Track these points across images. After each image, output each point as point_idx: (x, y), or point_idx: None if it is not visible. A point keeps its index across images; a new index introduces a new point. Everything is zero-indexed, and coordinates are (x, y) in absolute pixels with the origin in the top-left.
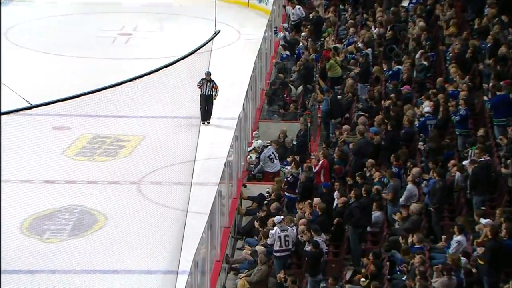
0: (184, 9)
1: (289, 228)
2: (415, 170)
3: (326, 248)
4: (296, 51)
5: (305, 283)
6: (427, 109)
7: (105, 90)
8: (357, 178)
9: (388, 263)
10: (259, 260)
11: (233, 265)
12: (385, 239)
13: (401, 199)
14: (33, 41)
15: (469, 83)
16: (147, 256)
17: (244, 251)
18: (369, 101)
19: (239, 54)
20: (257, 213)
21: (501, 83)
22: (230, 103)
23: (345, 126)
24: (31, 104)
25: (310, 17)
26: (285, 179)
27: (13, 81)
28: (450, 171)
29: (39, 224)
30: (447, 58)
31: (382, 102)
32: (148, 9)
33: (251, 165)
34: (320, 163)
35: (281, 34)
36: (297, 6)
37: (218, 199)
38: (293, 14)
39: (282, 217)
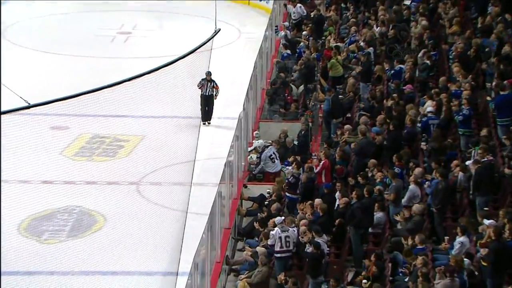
0: (184, 8)
1: (290, 229)
2: (418, 170)
3: (328, 249)
4: (297, 50)
5: (306, 284)
6: (429, 108)
7: (104, 90)
8: (359, 178)
9: (390, 265)
10: (260, 262)
11: (233, 267)
12: (387, 240)
13: (403, 200)
14: (31, 39)
15: (472, 83)
16: (147, 257)
17: (245, 252)
18: (371, 100)
19: (239, 53)
20: (258, 214)
21: (505, 82)
22: (231, 102)
23: (346, 126)
24: (29, 103)
25: (312, 16)
26: (287, 180)
27: (11, 80)
28: (453, 172)
29: (37, 225)
30: (450, 57)
31: (384, 101)
32: (147, 8)
33: (251, 165)
34: (321, 163)
35: (282, 33)
36: (298, 5)
37: (218, 200)
38: (294, 12)
39: (283, 218)
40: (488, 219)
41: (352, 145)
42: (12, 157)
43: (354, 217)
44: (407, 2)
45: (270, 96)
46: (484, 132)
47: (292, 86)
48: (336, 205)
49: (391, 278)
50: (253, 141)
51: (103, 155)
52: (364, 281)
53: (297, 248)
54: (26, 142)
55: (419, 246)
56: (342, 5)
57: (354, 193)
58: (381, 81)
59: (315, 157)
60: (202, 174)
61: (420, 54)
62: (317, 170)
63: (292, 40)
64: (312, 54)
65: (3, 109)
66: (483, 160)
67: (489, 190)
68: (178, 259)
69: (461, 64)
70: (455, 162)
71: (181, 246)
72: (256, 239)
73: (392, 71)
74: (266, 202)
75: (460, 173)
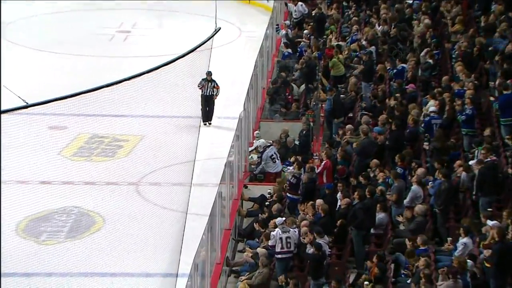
0: (183, 6)
1: (291, 229)
2: (420, 170)
3: (329, 250)
4: (298, 49)
5: (307, 286)
6: (432, 108)
7: (103, 89)
8: (361, 179)
9: (392, 266)
10: (260, 263)
11: (233, 268)
12: (389, 241)
13: (405, 200)
14: (29, 38)
15: (475, 82)
16: (146, 258)
17: (245, 253)
18: (372, 100)
19: (240, 52)
20: (259, 215)
21: (508, 81)
22: (231, 102)
23: (348, 126)
24: (27, 103)
25: (313, 14)
26: (288, 181)
27: (9, 79)
28: (455, 172)
29: (36, 226)
30: (453, 56)
31: (386, 101)
32: (147, 6)
33: (252, 166)
34: (323, 163)
35: (283, 32)
36: (299, 3)
37: (219, 200)
38: (295, 11)
39: (284, 218)
40: (492, 220)
41: (354, 145)
42: (9, 157)
43: (356, 218)
44: (410, 1)
45: (271, 95)
46: (487, 132)
47: (293, 85)
48: (338, 206)
49: (393, 279)
50: (254, 141)
51: (102, 155)
52: (366, 282)
53: (298, 249)
54: (24, 142)
55: (421, 247)
56: (344, 3)
57: (356, 193)
58: (383, 81)
59: (317, 157)
60: (202, 174)
61: (422, 53)
62: (318, 171)
63: (293, 39)
64: (314, 53)
65: (1, 109)
66: (487, 160)
67: (493, 190)
68: (178, 260)
69: (464, 63)
70: (458, 162)
71: (181, 247)
72: (257, 240)
73: (394, 70)
74: (267, 203)
75: (463, 173)
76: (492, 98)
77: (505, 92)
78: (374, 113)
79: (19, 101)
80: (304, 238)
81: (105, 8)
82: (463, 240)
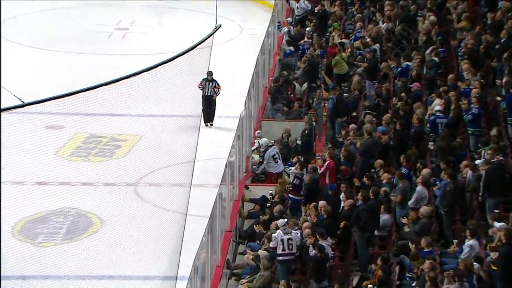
0: (183, 3)
1: (293, 231)
2: (425, 171)
3: (332, 252)
4: (301, 46)
5: None
6: (437, 107)
7: (100, 88)
8: (365, 179)
9: (396, 269)
10: (262, 265)
11: (234, 271)
12: (394, 243)
13: (410, 202)
14: (26, 36)
15: (482, 80)
16: (145, 261)
17: (246, 255)
18: (376, 99)
19: (240, 50)
20: (260, 216)
21: None
22: (232, 101)
23: (351, 125)
24: (23, 102)
25: (315, 11)
26: (291, 182)
27: (5, 78)
28: (461, 172)
29: (32, 227)
30: (459, 54)
31: (391, 100)
32: (146, 3)
33: (253, 166)
34: (325, 164)
35: (285, 29)
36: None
37: (219, 202)
38: (298, 8)
39: (285, 220)
40: (499, 222)
41: (358, 145)
42: (5, 157)
43: (359, 220)
44: None
45: (273, 94)
46: (494, 131)
47: (295, 84)
48: (341, 207)
49: (397, 282)
50: (255, 141)
51: (100, 155)
52: (370, 285)
53: (300, 251)
54: (20, 142)
55: (426, 249)
56: (347, 0)
57: (359, 194)
58: (387, 79)
59: (319, 157)
60: (202, 175)
61: (428, 51)
62: (321, 171)
63: (295, 36)
64: (316, 51)
65: None
66: (493, 160)
67: (500, 191)
68: (177, 262)
69: (470, 61)
70: (464, 162)
71: (181, 249)
72: (258, 242)
73: (399, 69)
74: (268, 204)
75: (469, 172)
76: (499, 97)
77: None
78: (378, 112)
79: (15, 100)
80: (306, 240)
81: (102, 5)
82: (469, 242)
